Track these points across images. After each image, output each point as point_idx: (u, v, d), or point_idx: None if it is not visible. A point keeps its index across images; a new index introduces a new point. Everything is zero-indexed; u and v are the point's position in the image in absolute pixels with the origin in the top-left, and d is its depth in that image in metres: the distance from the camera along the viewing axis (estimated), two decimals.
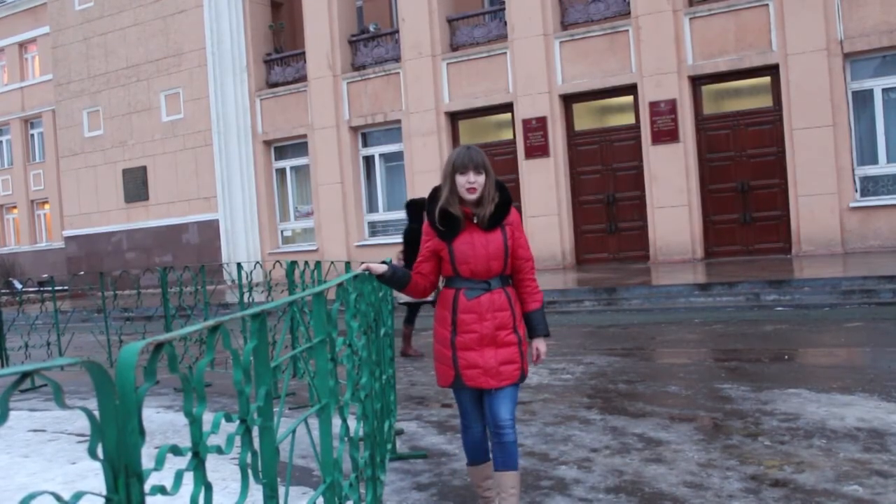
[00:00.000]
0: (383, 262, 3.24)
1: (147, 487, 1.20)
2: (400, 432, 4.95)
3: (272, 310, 2.60)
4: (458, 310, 3.12)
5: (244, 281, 7.40)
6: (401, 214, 17.17)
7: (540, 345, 3.28)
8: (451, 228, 3.11)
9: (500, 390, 3.14)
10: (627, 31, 14.34)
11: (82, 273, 19.30)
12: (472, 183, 3.05)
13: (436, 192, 3.18)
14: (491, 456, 3.26)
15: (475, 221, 3.11)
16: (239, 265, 7.50)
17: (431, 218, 3.15)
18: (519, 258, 3.18)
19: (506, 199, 3.14)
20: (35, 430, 5.86)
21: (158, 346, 1.30)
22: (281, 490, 1.91)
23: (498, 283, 3.15)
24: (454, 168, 3.08)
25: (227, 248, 18.88)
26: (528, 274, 3.23)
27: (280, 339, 2.60)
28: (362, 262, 3.24)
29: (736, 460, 4.02)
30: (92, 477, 4.35)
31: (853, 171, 12.83)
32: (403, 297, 7.79)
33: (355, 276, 2.93)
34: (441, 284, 3.28)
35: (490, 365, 3.10)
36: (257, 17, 18.95)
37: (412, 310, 8.15)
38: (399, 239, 16.82)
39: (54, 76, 22.11)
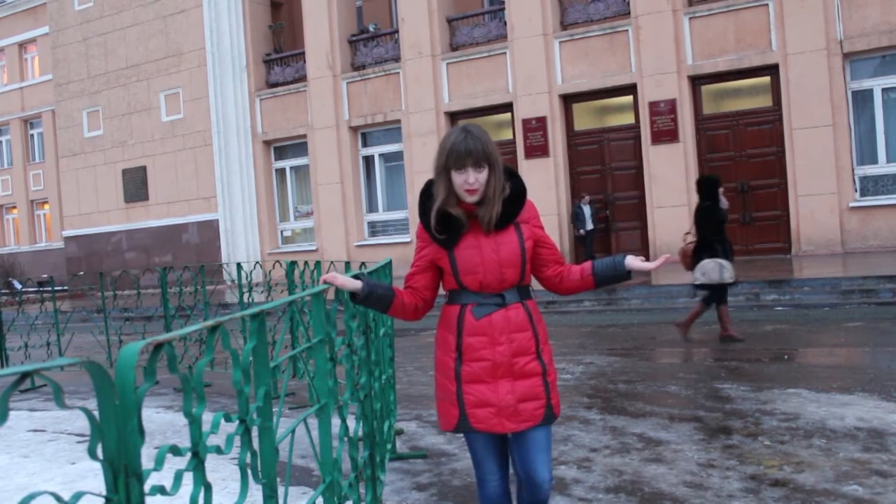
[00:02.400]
0: (357, 277, 2.50)
1: (147, 487, 1.20)
2: (400, 432, 4.95)
3: (272, 310, 2.60)
4: (465, 332, 2.46)
5: (244, 281, 7.40)
6: (400, 214, 17.21)
7: (635, 260, 2.57)
8: (451, 233, 2.46)
9: (529, 436, 2.48)
10: (627, 31, 14.34)
11: (82, 273, 19.25)
12: (471, 185, 2.39)
13: (429, 186, 2.53)
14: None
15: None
16: (239, 265, 7.51)
17: (425, 221, 2.50)
18: (547, 247, 2.62)
19: (518, 190, 2.50)
20: (35, 430, 5.86)
21: (158, 346, 1.30)
22: (280, 490, 1.91)
23: (514, 297, 2.48)
24: (448, 162, 2.42)
25: (227, 248, 18.88)
26: (560, 261, 2.65)
27: (279, 339, 2.60)
28: (327, 272, 2.65)
29: (736, 460, 4.01)
30: (92, 477, 4.35)
31: (853, 170, 12.83)
32: (701, 279, 7.38)
33: (315, 293, 2.48)
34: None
35: (506, 402, 2.42)
36: (257, 17, 18.95)
37: (719, 290, 7.48)
38: (399, 238, 17.04)
39: (54, 76, 22.11)
